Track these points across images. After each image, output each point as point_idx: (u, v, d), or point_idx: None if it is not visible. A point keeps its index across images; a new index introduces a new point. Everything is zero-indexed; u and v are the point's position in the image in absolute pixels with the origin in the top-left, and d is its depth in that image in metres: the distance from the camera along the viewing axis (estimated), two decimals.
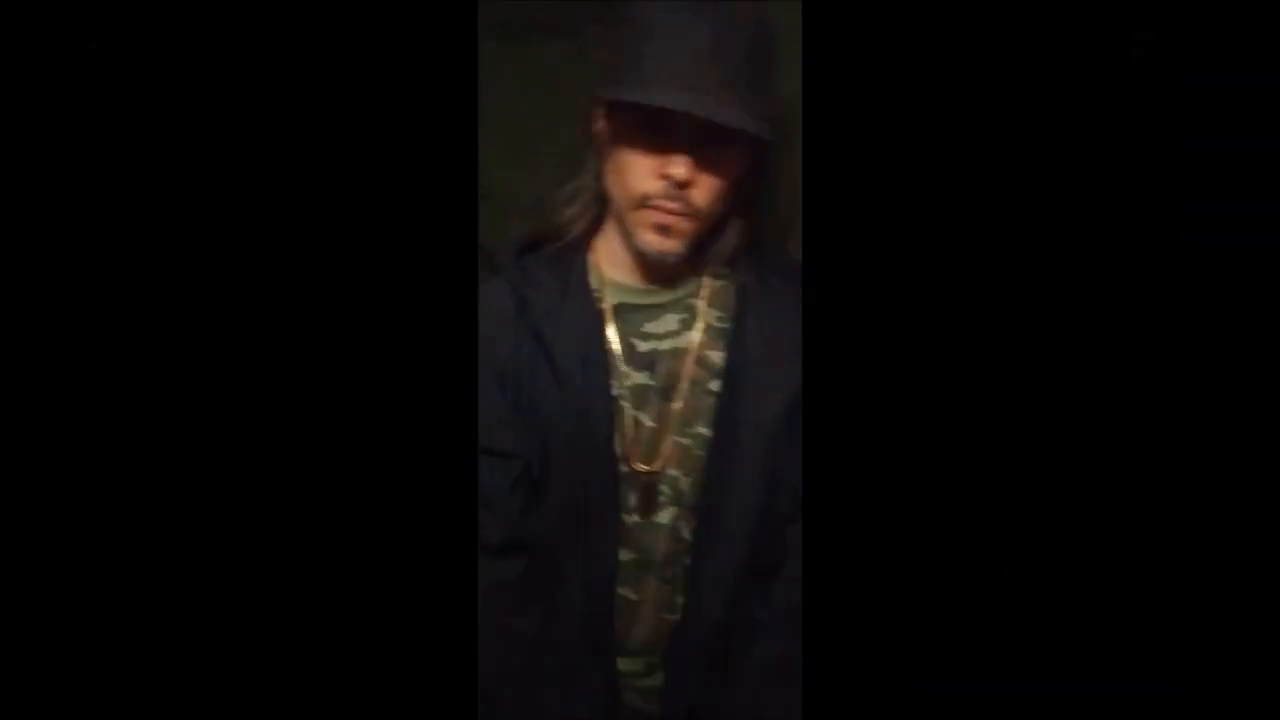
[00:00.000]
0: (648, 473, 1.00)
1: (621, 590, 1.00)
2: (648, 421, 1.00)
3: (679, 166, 0.91)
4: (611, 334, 1.01)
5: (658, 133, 0.92)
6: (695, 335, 1.02)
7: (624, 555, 1.00)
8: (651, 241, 0.95)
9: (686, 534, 1.00)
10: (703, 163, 0.93)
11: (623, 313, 1.02)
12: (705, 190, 0.94)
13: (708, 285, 1.02)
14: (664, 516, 1.00)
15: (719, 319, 1.02)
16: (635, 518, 1.00)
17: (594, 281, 1.02)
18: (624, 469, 1.00)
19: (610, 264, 1.02)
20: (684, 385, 1.01)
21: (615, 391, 1.00)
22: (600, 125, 0.97)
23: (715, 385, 1.01)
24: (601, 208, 1.01)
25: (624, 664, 1.02)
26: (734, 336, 1.01)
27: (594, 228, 1.02)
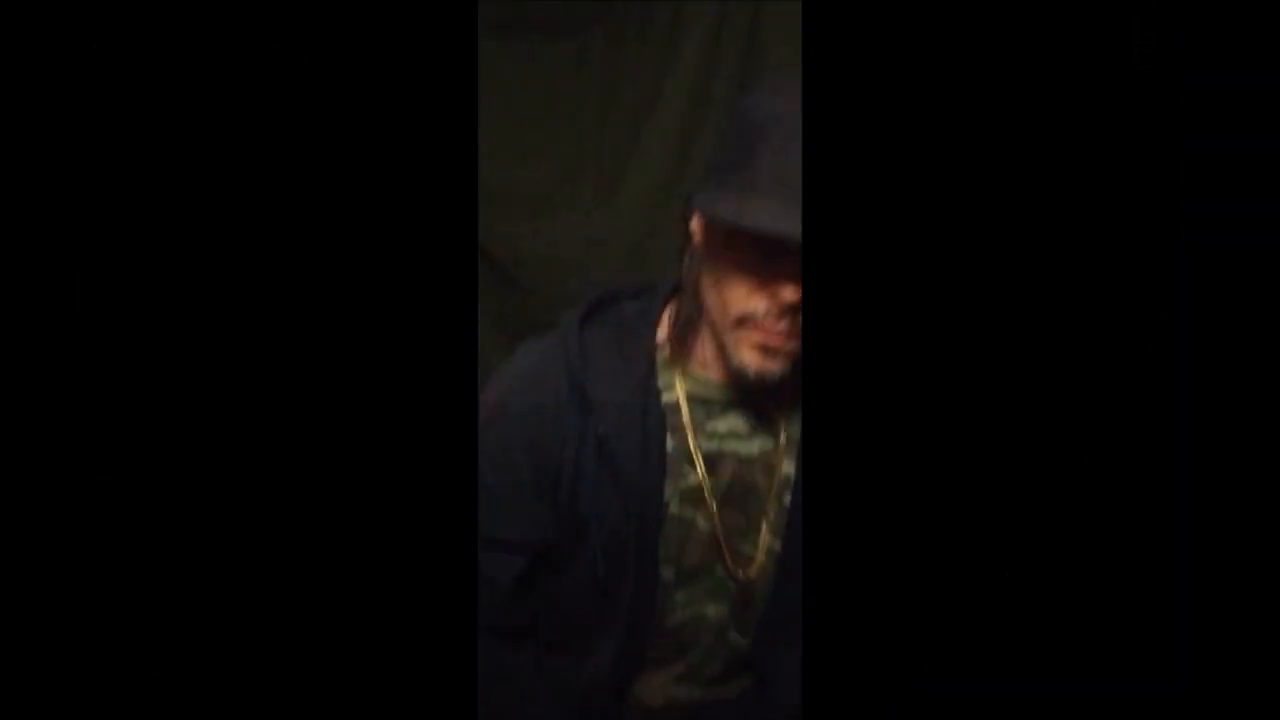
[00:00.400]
0: (743, 580, 0.97)
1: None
2: (702, 524, 0.96)
3: (789, 289, 0.85)
4: (675, 433, 0.95)
5: (769, 254, 0.85)
6: (768, 443, 0.97)
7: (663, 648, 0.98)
8: (751, 361, 0.89)
9: (740, 639, 0.98)
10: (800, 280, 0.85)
11: (693, 407, 0.96)
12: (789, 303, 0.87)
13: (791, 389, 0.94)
14: (711, 611, 0.98)
15: (787, 426, 0.97)
16: (680, 614, 0.98)
17: (664, 374, 0.96)
18: (720, 572, 0.97)
19: (696, 363, 0.96)
20: (750, 494, 0.97)
21: (669, 494, 0.95)
22: (696, 228, 0.91)
23: (787, 499, 0.97)
24: (696, 313, 0.93)
25: None
26: (801, 443, 0.95)
27: (687, 330, 0.95)
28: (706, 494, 0.96)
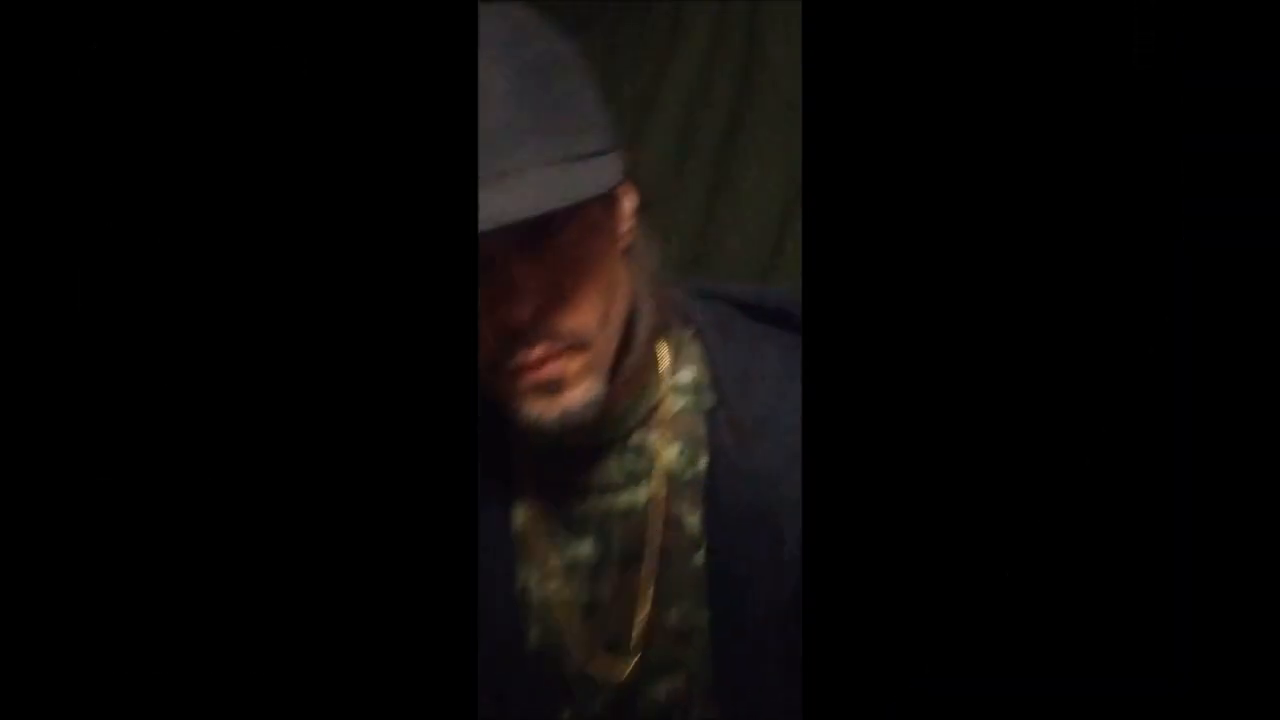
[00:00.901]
0: (619, 674, 0.73)
1: None
2: (607, 602, 0.74)
3: (518, 306, 0.66)
4: (525, 510, 0.74)
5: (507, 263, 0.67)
6: (655, 487, 0.74)
7: None
8: (542, 409, 0.69)
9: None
10: (548, 292, 0.67)
11: (542, 465, 0.75)
12: (575, 311, 0.68)
13: (662, 412, 0.74)
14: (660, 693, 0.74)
15: (681, 460, 0.74)
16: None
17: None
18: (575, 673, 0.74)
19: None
20: (656, 556, 0.73)
21: (533, 581, 0.74)
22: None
23: (697, 557, 0.73)
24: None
25: None
26: (707, 484, 0.73)
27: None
28: (605, 565, 0.75)
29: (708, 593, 0.73)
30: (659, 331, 0.76)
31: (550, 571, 0.74)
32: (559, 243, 0.68)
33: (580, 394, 0.69)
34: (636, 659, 0.73)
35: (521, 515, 0.75)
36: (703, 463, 0.75)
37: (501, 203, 0.64)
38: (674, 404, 0.76)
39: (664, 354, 0.77)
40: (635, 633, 0.73)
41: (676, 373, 0.77)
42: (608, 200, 0.72)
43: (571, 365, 0.69)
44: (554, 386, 0.69)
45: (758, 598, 0.72)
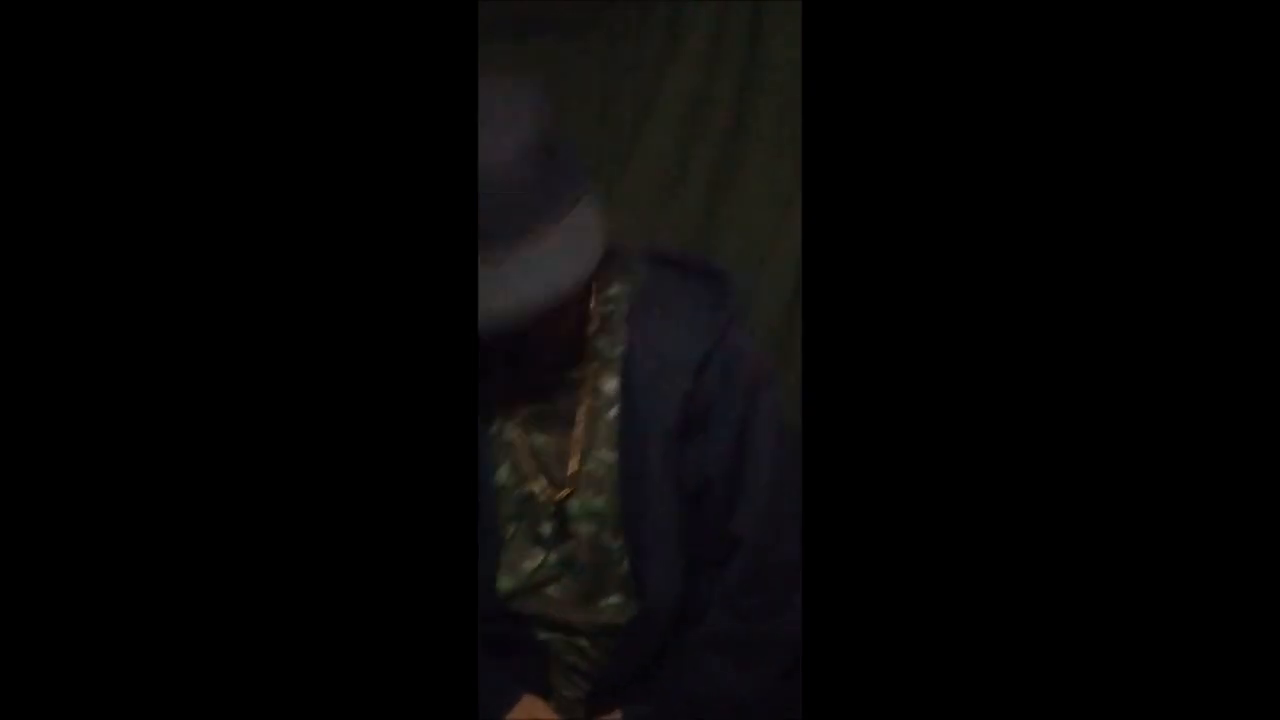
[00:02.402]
0: (560, 497, 1.03)
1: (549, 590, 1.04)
2: (549, 447, 1.04)
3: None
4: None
5: None
6: (586, 365, 1.04)
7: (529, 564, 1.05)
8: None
9: (611, 543, 1.04)
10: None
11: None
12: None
13: (595, 315, 1.03)
14: (584, 529, 1.04)
15: (609, 347, 1.04)
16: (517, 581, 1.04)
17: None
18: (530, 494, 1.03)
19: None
20: (587, 415, 1.03)
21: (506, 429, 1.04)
22: None
23: (611, 414, 1.03)
24: None
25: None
26: (627, 359, 1.03)
27: None
28: (550, 418, 1.04)
29: (617, 441, 1.03)
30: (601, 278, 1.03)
31: (515, 422, 1.05)
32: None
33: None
34: (568, 490, 1.04)
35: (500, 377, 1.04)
36: (620, 348, 1.05)
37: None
38: (603, 310, 1.05)
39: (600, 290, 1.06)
40: (569, 470, 1.04)
41: (606, 290, 1.06)
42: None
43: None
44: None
45: (653, 440, 1.02)
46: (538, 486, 1.04)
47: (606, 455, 1.04)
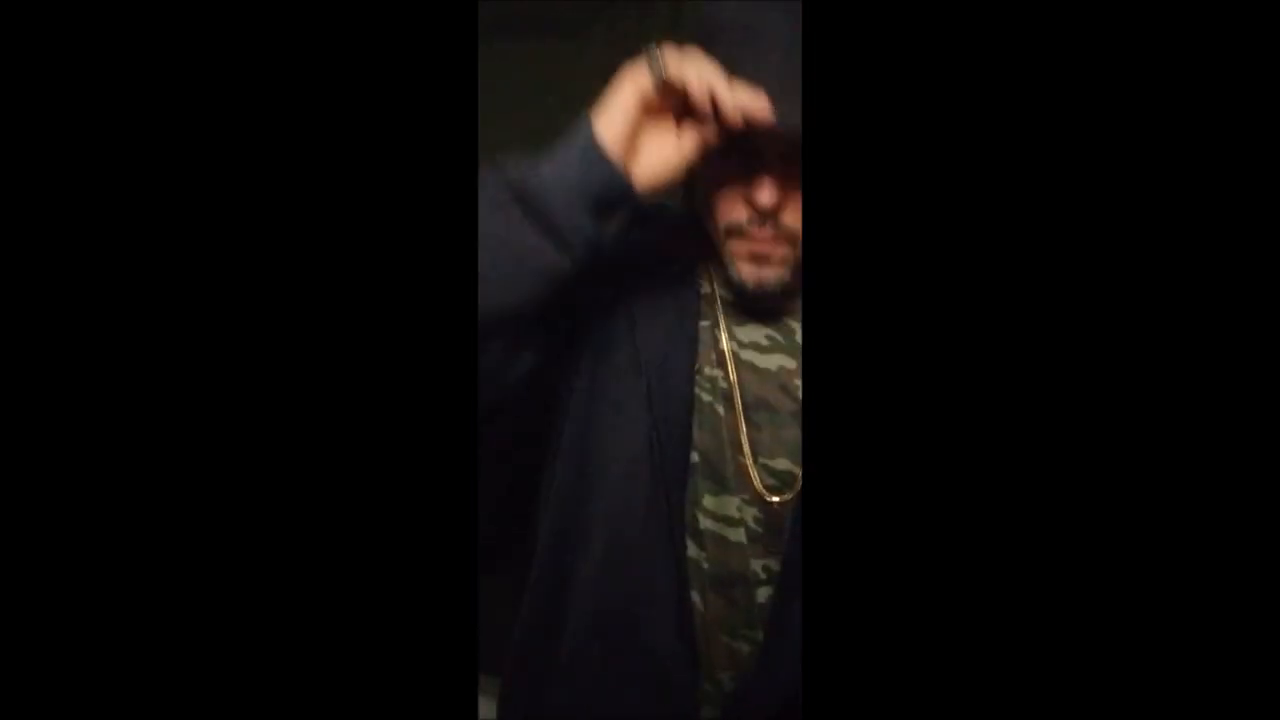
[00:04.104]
0: (767, 502, 0.93)
1: (690, 593, 0.94)
2: (721, 428, 0.94)
3: (764, 192, 0.86)
4: (702, 320, 0.95)
5: (741, 153, 0.86)
6: (785, 359, 0.95)
7: (693, 553, 0.94)
8: (747, 273, 0.90)
9: (770, 566, 0.94)
10: (790, 182, 0.87)
11: (719, 303, 0.96)
12: (797, 213, 0.87)
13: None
14: (737, 535, 0.94)
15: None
16: (709, 523, 0.94)
17: (700, 272, 0.97)
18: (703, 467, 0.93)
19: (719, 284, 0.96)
20: (764, 409, 0.94)
21: (697, 378, 0.94)
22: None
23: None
24: (702, 236, 0.94)
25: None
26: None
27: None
28: (735, 395, 0.94)
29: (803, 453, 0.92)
30: None
31: (702, 379, 0.95)
32: (792, 166, 0.87)
33: (775, 274, 0.91)
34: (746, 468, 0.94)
35: (702, 325, 0.97)
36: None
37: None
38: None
39: None
40: (733, 449, 0.94)
41: None
42: None
43: (779, 250, 0.89)
44: (762, 260, 0.90)
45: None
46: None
47: (789, 467, 0.93)
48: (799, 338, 0.96)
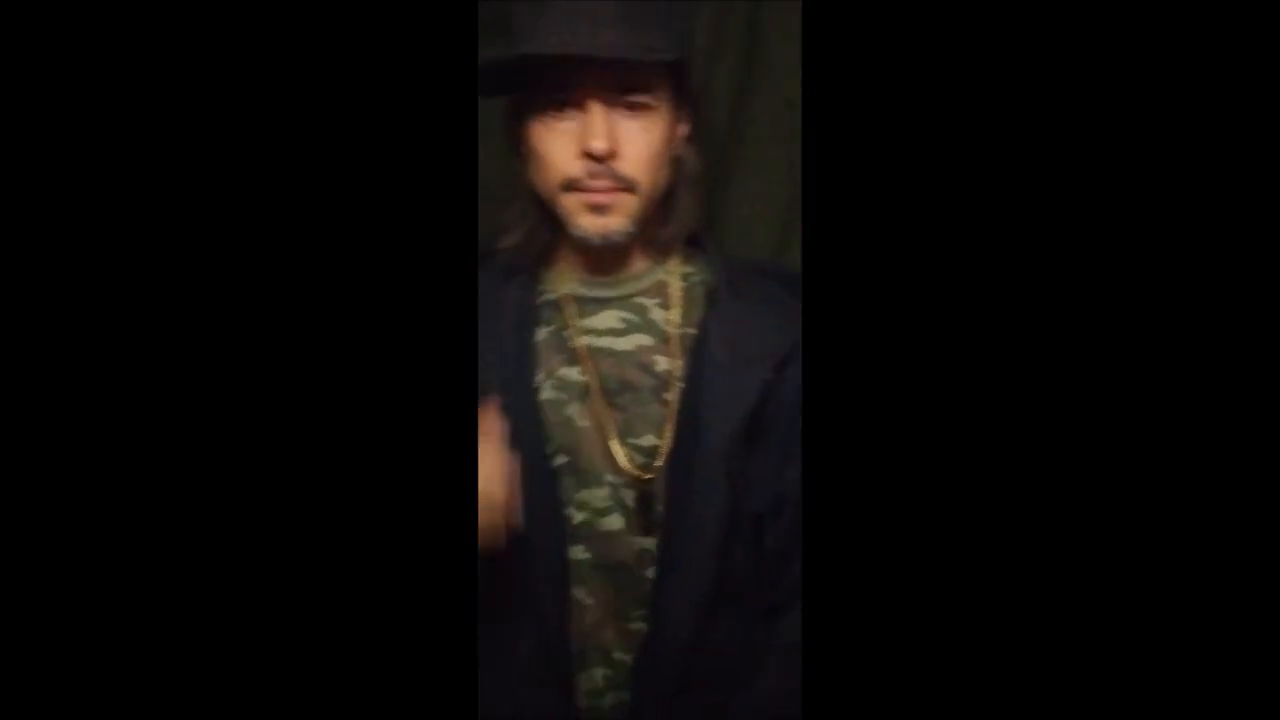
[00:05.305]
0: (639, 479, 0.92)
1: (576, 592, 0.93)
2: (580, 422, 0.94)
3: (596, 140, 0.85)
4: (544, 328, 0.94)
5: (565, 101, 0.86)
6: (644, 339, 0.95)
7: (576, 553, 0.93)
8: (588, 224, 0.89)
9: (647, 546, 0.92)
10: (623, 129, 0.87)
11: (564, 304, 0.95)
12: (634, 160, 0.88)
13: (673, 286, 0.95)
14: (613, 522, 0.94)
15: (675, 325, 0.95)
16: (583, 516, 0.93)
17: (543, 280, 0.96)
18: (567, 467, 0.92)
19: (563, 260, 0.96)
20: (627, 390, 0.94)
21: (539, 380, 0.93)
22: (511, 119, 0.91)
23: (669, 395, 0.93)
24: (542, 210, 0.93)
25: (582, 679, 0.93)
26: (697, 344, 0.94)
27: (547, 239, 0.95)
28: (594, 385, 0.93)
29: (674, 425, 0.92)
30: (682, 229, 0.96)
31: (551, 384, 0.94)
32: (636, 107, 0.88)
33: (618, 222, 0.89)
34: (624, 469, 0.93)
35: (541, 334, 0.96)
36: (693, 329, 0.95)
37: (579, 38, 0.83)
38: (678, 284, 0.97)
39: (679, 252, 0.98)
40: (603, 451, 0.93)
41: (686, 267, 0.98)
42: (672, 105, 0.91)
43: (619, 199, 0.89)
44: (602, 209, 0.89)
45: (713, 436, 0.91)
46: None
47: (652, 441, 0.93)
48: (653, 315, 0.96)
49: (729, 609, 0.94)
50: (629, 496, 0.94)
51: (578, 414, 0.94)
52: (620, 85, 0.86)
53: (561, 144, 0.88)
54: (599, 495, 0.94)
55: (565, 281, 0.97)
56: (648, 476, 0.93)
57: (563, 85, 0.86)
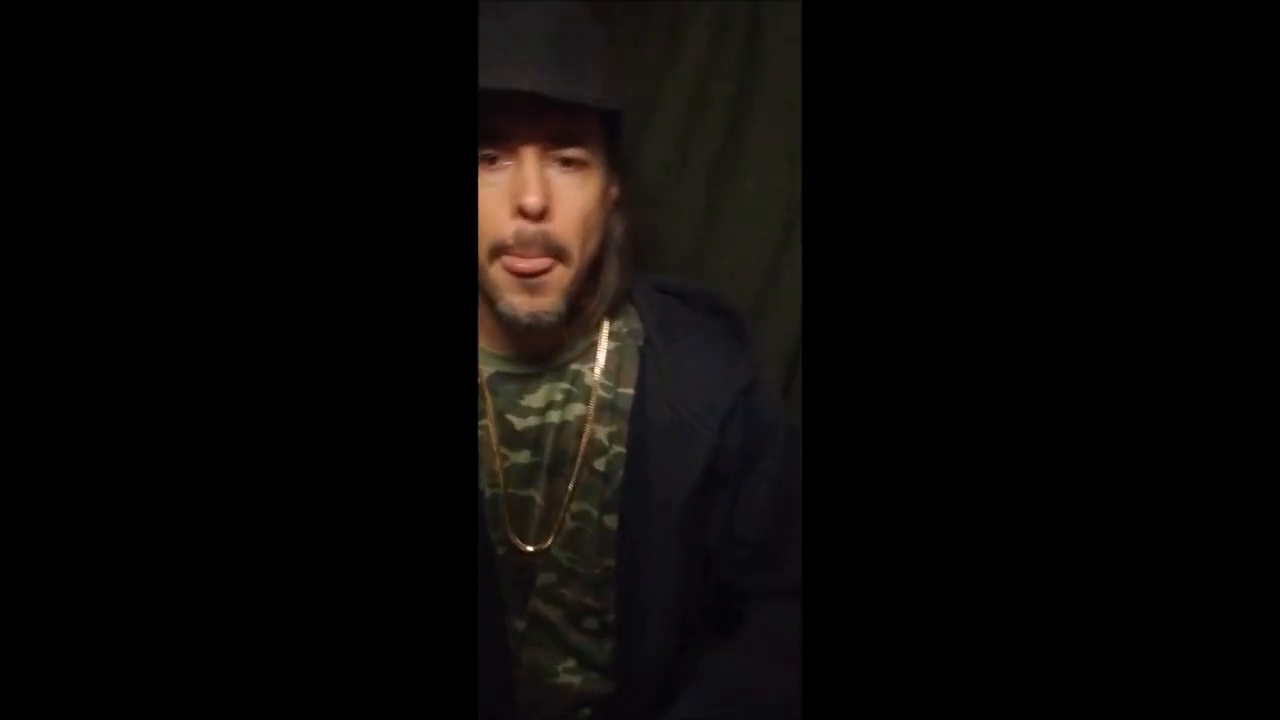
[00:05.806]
0: (529, 553, 0.92)
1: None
2: (539, 500, 0.92)
3: (530, 193, 0.79)
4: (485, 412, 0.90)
5: (495, 156, 0.80)
6: (581, 408, 0.92)
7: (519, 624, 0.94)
8: (518, 304, 0.83)
9: (593, 622, 0.94)
10: (557, 184, 0.81)
11: (495, 385, 0.91)
12: (566, 222, 0.82)
13: (601, 349, 0.92)
14: (549, 589, 0.94)
15: (606, 388, 0.92)
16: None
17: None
18: (502, 550, 0.92)
19: (484, 333, 0.90)
20: (574, 463, 0.91)
21: (488, 477, 0.90)
22: None
23: (600, 464, 0.91)
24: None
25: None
26: (635, 407, 0.91)
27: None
28: (539, 470, 0.92)
29: (618, 496, 0.89)
30: (607, 304, 0.91)
31: (496, 474, 0.91)
32: (570, 163, 0.82)
33: (549, 302, 0.84)
34: (548, 542, 0.91)
35: (481, 432, 0.91)
36: (629, 390, 0.91)
37: (509, 73, 0.76)
38: (606, 344, 0.93)
39: (608, 316, 0.94)
40: (554, 523, 0.91)
41: (615, 323, 0.94)
42: (606, 163, 0.86)
43: (550, 276, 0.83)
44: (533, 288, 0.82)
45: (664, 500, 0.88)
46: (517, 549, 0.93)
47: (590, 510, 0.92)
48: (588, 380, 0.92)
49: (690, 646, 0.95)
50: (573, 565, 0.94)
51: (538, 496, 0.93)
52: (555, 137, 0.81)
53: (492, 202, 0.82)
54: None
55: (489, 358, 0.92)
56: (529, 549, 0.92)
57: (497, 133, 0.80)
